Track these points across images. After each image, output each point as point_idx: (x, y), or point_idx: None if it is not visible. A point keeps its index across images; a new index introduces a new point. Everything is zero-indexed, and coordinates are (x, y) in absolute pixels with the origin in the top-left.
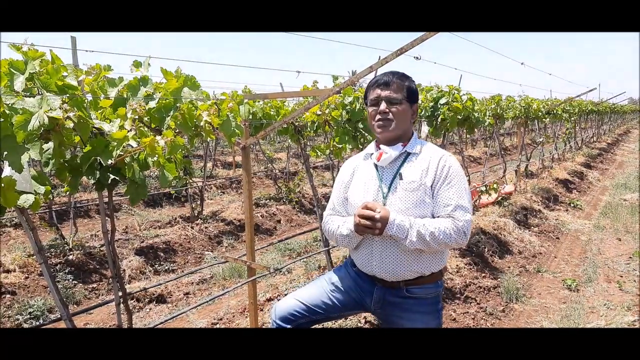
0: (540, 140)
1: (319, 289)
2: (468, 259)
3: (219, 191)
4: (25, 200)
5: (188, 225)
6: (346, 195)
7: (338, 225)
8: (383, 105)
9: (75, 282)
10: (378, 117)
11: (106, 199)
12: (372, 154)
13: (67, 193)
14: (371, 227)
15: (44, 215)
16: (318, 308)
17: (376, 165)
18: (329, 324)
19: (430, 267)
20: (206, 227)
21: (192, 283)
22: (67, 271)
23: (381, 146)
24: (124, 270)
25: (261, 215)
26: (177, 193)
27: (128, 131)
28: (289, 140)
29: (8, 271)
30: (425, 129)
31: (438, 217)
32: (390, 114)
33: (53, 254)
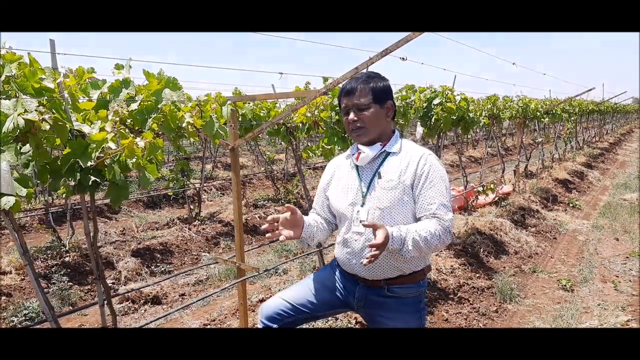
0: (540, 140)
1: (305, 288)
2: (463, 259)
3: (219, 192)
4: (6, 202)
5: (185, 227)
6: (327, 195)
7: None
8: (352, 115)
9: (71, 283)
10: (350, 126)
11: (89, 201)
12: (353, 154)
13: (64, 195)
14: (382, 250)
15: (42, 217)
16: (304, 307)
17: (357, 165)
18: (319, 324)
19: (410, 265)
20: (203, 229)
21: (188, 284)
22: (62, 273)
23: (359, 146)
24: (120, 271)
25: (259, 217)
26: (176, 195)
27: (108, 133)
28: (282, 142)
29: (4, 273)
30: (420, 129)
31: (421, 217)
32: (360, 121)
33: (50, 255)
